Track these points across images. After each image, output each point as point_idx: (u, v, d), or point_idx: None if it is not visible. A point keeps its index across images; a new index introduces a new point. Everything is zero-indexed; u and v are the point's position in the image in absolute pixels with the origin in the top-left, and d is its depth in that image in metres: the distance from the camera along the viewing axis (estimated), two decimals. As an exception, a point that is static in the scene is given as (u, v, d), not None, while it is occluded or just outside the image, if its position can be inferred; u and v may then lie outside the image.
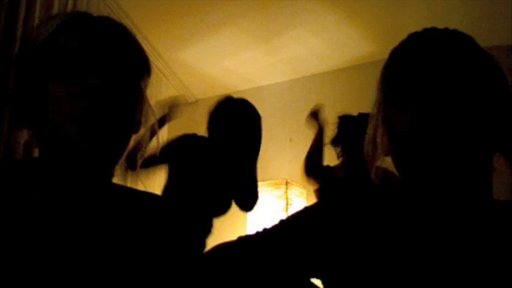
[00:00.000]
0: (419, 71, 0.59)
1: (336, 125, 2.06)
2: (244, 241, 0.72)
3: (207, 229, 1.86)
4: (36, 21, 1.83)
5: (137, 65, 0.67)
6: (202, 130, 1.92)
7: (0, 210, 0.59)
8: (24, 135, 1.66)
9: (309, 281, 0.71)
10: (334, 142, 2.04)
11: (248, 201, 1.93)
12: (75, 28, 0.63)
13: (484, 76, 0.59)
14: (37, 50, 0.62)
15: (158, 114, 2.82)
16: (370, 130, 0.68)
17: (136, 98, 0.66)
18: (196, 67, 3.06)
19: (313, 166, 2.03)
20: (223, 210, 1.90)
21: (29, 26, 1.79)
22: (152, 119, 0.71)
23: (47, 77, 0.61)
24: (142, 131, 0.70)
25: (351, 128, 1.96)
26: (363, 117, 1.83)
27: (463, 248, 0.59)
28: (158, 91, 2.89)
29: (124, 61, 0.64)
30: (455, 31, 0.63)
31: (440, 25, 0.66)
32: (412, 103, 0.59)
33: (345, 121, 2.03)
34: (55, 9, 1.94)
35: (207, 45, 2.84)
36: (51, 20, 0.65)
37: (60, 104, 0.60)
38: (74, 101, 0.60)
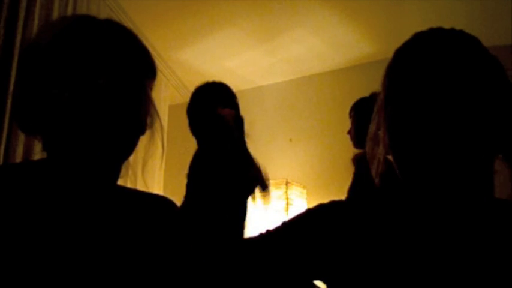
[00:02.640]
0: (423, 71, 0.59)
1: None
2: (247, 243, 0.72)
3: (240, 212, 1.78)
4: (36, 21, 1.83)
5: (141, 67, 0.67)
6: (202, 130, 1.93)
7: (5, 213, 0.59)
8: (22, 138, 1.66)
9: (312, 283, 0.71)
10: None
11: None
12: (79, 31, 0.64)
13: (487, 78, 0.59)
14: (42, 53, 0.63)
15: (163, 114, 2.83)
16: (372, 128, 0.68)
17: (141, 99, 0.66)
18: (196, 67, 3.06)
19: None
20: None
21: (28, 26, 1.79)
22: (157, 121, 0.71)
23: (53, 79, 0.61)
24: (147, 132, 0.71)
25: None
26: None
27: (463, 248, 0.59)
28: (158, 91, 2.88)
29: (128, 62, 0.64)
30: (461, 31, 0.63)
31: (441, 25, 0.66)
32: (415, 103, 0.59)
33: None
34: (55, 10, 1.94)
35: (207, 45, 2.84)
36: (55, 23, 0.66)
37: (66, 105, 0.60)
38: (80, 102, 0.60)
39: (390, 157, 0.66)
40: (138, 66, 0.66)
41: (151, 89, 0.70)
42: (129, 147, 0.66)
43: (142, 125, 0.68)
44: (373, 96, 1.95)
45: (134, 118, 0.65)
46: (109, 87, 0.61)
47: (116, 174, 0.69)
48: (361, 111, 2.04)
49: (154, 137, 0.72)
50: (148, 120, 0.69)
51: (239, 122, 1.99)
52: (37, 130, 0.65)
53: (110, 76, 0.62)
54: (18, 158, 1.64)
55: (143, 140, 0.71)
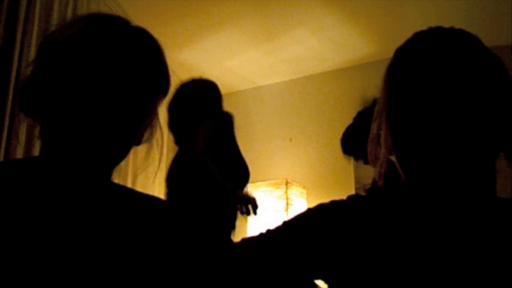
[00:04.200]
0: (424, 71, 0.59)
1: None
2: (248, 242, 0.72)
3: (229, 223, 1.84)
4: (36, 21, 1.83)
5: (156, 81, 0.67)
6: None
7: (1, 211, 0.59)
8: (23, 135, 1.66)
9: (313, 282, 0.71)
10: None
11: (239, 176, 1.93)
12: (104, 32, 0.63)
13: (488, 77, 0.59)
14: (62, 46, 0.63)
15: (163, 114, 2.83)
16: (373, 129, 0.68)
17: (146, 112, 0.66)
18: (196, 67, 3.06)
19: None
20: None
21: (28, 26, 1.79)
22: (159, 137, 0.71)
23: (66, 74, 0.61)
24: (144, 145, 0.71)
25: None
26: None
27: (466, 248, 0.59)
28: (158, 91, 2.88)
29: (144, 75, 0.64)
30: (460, 30, 0.63)
31: (441, 25, 0.66)
32: (417, 103, 0.59)
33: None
34: (55, 10, 1.94)
35: (207, 45, 2.84)
36: (83, 19, 0.66)
37: (72, 103, 0.60)
38: (85, 101, 0.60)
39: (392, 157, 0.66)
40: (152, 80, 0.66)
41: (159, 103, 0.70)
42: (119, 155, 0.66)
43: (138, 137, 0.68)
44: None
45: (133, 129, 0.65)
46: (117, 94, 0.61)
47: (107, 175, 0.68)
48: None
49: (152, 151, 0.72)
50: (148, 133, 0.69)
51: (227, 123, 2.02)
52: (37, 115, 0.65)
53: (121, 83, 0.62)
54: (21, 144, 1.65)
55: (143, 149, 0.71)
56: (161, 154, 0.73)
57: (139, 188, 0.76)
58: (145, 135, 0.69)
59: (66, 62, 0.62)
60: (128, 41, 0.64)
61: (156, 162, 0.75)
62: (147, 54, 0.66)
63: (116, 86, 0.62)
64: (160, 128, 0.71)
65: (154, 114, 0.69)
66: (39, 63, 0.65)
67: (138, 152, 0.71)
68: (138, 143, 0.69)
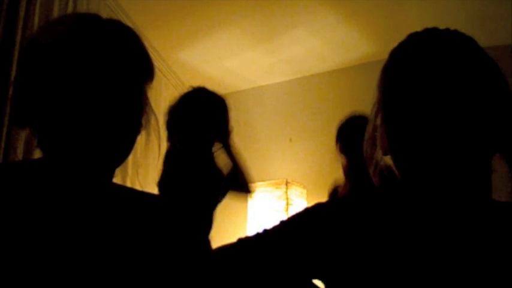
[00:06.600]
0: (419, 72, 0.60)
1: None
2: (245, 242, 0.72)
3: (207, 224, 1.85)
4: (36, 21, 1.83)
5: (142, 68, 0.67)
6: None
7: (2, 213, 0.59)
8: (22, 137, 1.66)
9: (311, 282, 0.71)
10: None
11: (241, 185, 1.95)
12: (81, 31, 0.64)
13: (483, 77, 0.59)
14: (44, 51, 0.63)
15: (159, 115, 2.82)
16: (369, 129, 0.68)
17: (138, 100, 0.66)
18: (196, 67, 3.06)
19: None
20: (217, 199, 1.89)
21: (29, 26, 1.79)
22: (153, 120, 0.71)
23: (53, 78, 0.62)
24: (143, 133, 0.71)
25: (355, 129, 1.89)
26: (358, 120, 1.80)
27: (461, 249, 0.59)
28: (158, 91, 2.88)
29: (127, 64, 0.65)
30: (455, 31, 0.63)
31: (441, 25, 0.66)
32: (412, 104, 0.59)
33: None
34: (55, 9, 1.94)
35: (207, 45, 2.84)
36: (58, 21, 0.66)
37: (66, 105, 0.61)
38: (78, 102, 0.60)
39: (387, 158, 0.66)
40: (137, 68, 0.66)
41: (147, 89, 0.70)
42: (126, 148, 0.66)
43: (138, 126, 0.68)
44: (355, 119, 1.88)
45: (131, 119, 0.65)
46: (108, 88, 0.62)
47: (111, 173, 0.69)
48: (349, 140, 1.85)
49: (151, 137, 0.72)
50: (144, 121, 0.70)
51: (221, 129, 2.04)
52: (32, 125, 0.65)
53: (109, 77, 0.62)
54: (19, 157, 1.64)
55: (140, 141, 0.71)
56: (159, 139, 0.74)
57: (145, 175, 0.76)
58: (142, 123, 0.69)
59: (57, 67, 0.62)
60: (110, 36, 0.65)
61: (156, 148, 0.76)
62: (129, 45, 0.67)
63: (109, 83, 0.62)
64: (154, 114, 0.72)
65: (147, 101, 0.69)
66: (27, 71, 0.65)
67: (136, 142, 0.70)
68: (139, 132, 0.69)
